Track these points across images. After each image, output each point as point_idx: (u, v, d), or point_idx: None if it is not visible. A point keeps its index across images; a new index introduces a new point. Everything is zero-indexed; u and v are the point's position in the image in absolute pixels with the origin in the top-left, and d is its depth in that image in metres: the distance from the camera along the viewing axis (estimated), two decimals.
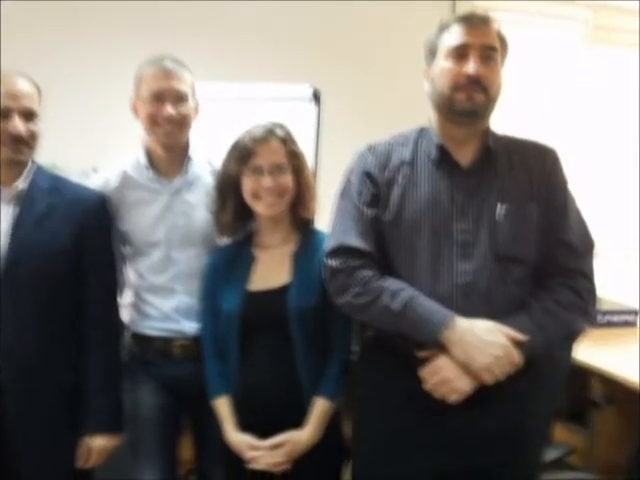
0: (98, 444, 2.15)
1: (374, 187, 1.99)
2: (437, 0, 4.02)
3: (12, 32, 3.36)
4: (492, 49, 1.92)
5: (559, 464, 2.84)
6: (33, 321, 2.08)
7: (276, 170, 2.13)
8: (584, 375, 3.14)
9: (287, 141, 2.17)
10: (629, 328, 3.77)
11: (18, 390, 2.07)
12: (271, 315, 2.11)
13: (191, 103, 2.30)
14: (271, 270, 2.17)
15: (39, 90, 2.13)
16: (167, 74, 2.24)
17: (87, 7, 3.59)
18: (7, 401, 2.06)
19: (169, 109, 2.22)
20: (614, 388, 3.06)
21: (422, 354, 1.88)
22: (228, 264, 2.23)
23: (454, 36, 1.92)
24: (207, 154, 2.39)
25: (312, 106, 3.54)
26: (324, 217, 2.16)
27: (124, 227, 2.33)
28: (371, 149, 2.05)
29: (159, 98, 2.23)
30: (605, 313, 3.71)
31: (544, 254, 1.95)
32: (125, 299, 2.40)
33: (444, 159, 1.97)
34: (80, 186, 2.27)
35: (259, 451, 2.08)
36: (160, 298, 2.33)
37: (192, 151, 2.36)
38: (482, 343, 1.81)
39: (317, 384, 2.11)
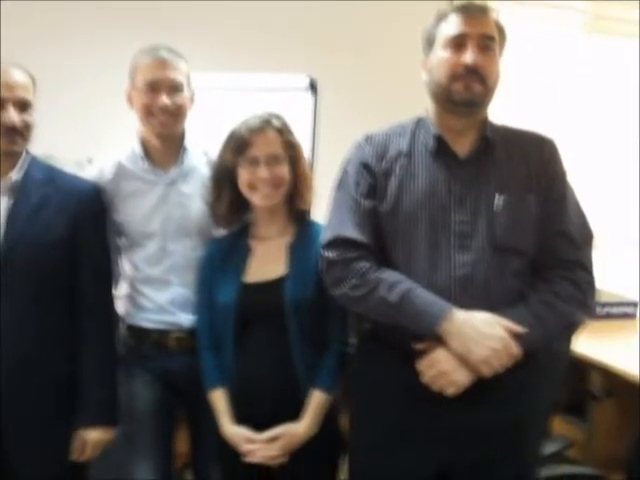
0: (93, 437, 2.14)
1: (371, 178, 1.97)
2: None
3: (7, 23, 3.33)
4: (490, 39, 1.91)
5: (558, 457, 2.84)
6: (29, 313, 2.07)
7: (272, 161, 2.12)
8: (583, 368, 3.14)
9: (284, 131, 2.15)
10: (628, 320, 3.77)
11: (15, 382, 2.06)
12: (267, 307, 2.10)
13: (186, 93, 2.28)
14: (267, 262, 2.16)
15: (34, 81, 2.12)
16: (162, 64, 2.23)
17: None
18: (3, 393, 2.05)
19: (164, 99, 2.21)
20: (613, 381, 3.06)
21: (419, 346, 1.86)
22: (224, 256, 2.21)
23: (452, 26, 1.91)
24: (203, 145, 2.38)
25: (309, 96, 3.54)
26: (321, 208, 2.15)
27: (119, 218, 2.32)
28: (368, 139, 2.03)
29: (154, 88, 2.22)
30: (604, 305, 3.71)
31: (542, 245, 1.93)
32: (120, 291, 2.39)
33: (442, 149, 1.95)
34: (75, 177, 2.25)
35: (255, 444, 2.07)
36: (155, 290, 2.32)
37: (188, 142, 2.35)
38: (480, 335, 1.80)
39: (314, 376, 2.10)
